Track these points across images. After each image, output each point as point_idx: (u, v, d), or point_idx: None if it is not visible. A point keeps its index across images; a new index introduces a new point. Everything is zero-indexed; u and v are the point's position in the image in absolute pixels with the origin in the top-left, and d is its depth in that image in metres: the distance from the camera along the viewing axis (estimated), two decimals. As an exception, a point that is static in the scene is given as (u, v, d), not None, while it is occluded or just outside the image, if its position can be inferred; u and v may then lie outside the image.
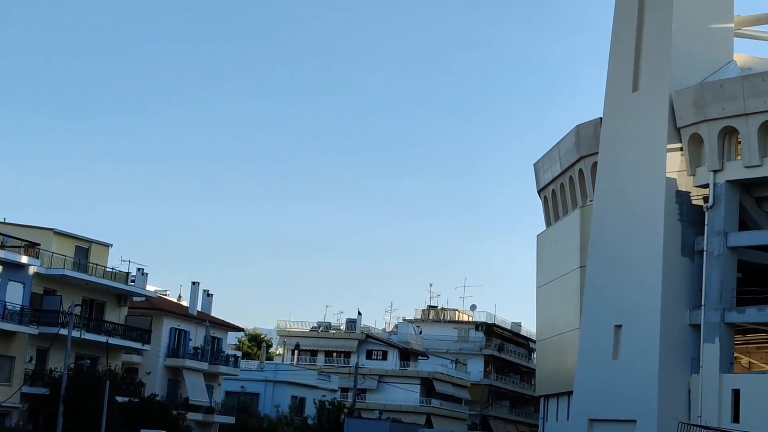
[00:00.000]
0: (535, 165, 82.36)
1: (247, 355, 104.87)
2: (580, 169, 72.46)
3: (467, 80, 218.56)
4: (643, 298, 60.64)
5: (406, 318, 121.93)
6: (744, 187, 60.79)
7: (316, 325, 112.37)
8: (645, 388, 59.21)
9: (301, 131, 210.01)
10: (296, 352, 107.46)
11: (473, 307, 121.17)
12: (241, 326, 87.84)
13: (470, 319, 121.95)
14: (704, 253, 59.80)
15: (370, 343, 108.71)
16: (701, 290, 59.65)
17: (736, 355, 63.21)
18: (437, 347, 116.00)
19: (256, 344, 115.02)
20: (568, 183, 75.07)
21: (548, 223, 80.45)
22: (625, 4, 66.33)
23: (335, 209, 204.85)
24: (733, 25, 65.05)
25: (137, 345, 65.52)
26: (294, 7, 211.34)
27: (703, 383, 58.50)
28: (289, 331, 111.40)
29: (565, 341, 72.47)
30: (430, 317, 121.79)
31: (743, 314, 59.10)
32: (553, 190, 78.32)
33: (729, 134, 60.33)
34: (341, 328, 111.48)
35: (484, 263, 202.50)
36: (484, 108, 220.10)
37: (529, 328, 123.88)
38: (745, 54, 66.56)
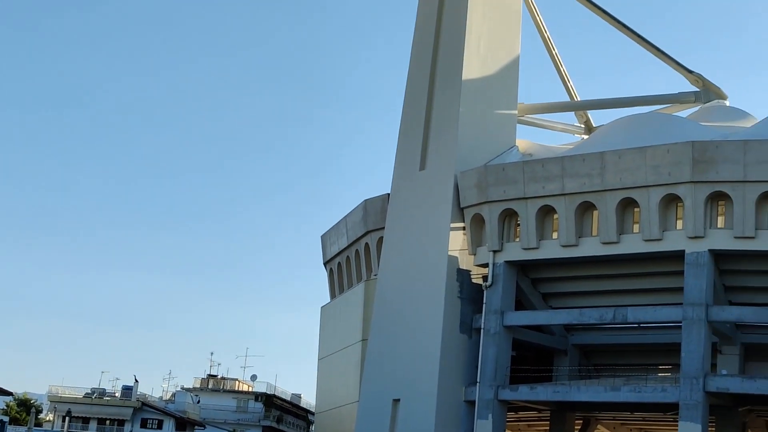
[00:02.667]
0: (322, 237, 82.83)
1: (15, 421, 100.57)
2: (366, 243, 73.27)
3: (260, 148, 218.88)
4: (421, 373, 61.34)
5: (185, 386, 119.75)
6: (521, 267, 62.77)
7: (90, 391, 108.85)
8: (420, 462, 59.70)
9: (88, 192, 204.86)
10: (68, 418, 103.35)
11: (254, 377, 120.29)
12: (9, 390, 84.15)
13: (250, 389, 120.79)
14: (481, 330, 61.22)
15: (146, 411, 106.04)
16: (477, 367, 60.94)
17: None
18: (215, 417, 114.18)
19: (25, 409, 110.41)
20: (354, 256, 75.74)
21: (333, 296, 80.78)
22: (416, 83, 68.03)
23: (115, 273, 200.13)
24: (516, 111, 67.63)
25: None
26: (81, 60, 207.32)
27: (475, 459, 59.47)
28: (61, 396, 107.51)
29: (343, 414, 72.45)
30: (210, 386, 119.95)
31: (516, 392, 60.61)
32: (339, 263, 78.84)
33: (509, 216, 62.29)
34: (116, 394, 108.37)
35: (267, 333, 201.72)
36: (273, 177, 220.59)
37: (309, 400, 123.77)
38: (527, 140, 69.23)
